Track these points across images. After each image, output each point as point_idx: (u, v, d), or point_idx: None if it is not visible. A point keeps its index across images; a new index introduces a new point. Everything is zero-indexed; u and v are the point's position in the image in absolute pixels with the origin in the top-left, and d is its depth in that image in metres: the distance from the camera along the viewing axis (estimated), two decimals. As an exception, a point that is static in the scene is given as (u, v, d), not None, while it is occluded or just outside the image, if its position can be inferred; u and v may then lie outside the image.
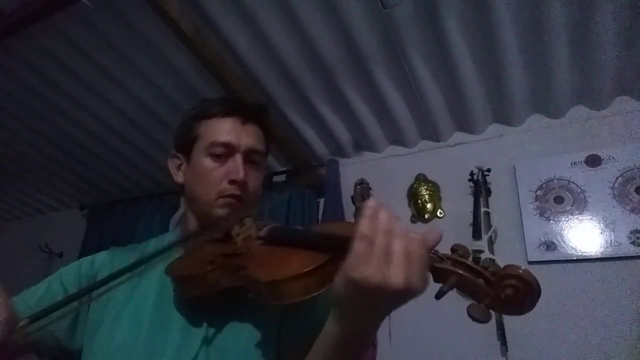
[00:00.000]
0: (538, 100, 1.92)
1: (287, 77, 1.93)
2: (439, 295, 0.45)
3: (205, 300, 0.66)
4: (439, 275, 0.48)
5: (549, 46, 1.64)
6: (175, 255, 0.78)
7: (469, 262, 0.47)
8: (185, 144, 0.82)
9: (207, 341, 0.67)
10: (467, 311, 0.44)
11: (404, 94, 1.97)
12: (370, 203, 0.49)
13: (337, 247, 0.49)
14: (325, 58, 1.80)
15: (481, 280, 0.46)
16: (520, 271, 0.44)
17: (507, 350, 1.69)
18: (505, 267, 0.45)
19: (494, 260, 1.82)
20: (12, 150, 2.85)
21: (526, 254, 1.79)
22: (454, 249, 0.49)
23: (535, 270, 1.54)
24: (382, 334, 1.93)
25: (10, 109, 2.44)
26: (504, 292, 0.44)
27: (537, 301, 0.44)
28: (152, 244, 0.86)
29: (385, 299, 0.47)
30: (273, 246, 0.64)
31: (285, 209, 2.36)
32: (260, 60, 1.86)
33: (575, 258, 1.72)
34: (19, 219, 3.86)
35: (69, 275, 0.78)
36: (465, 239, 1.87)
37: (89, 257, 0.83)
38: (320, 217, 2.31)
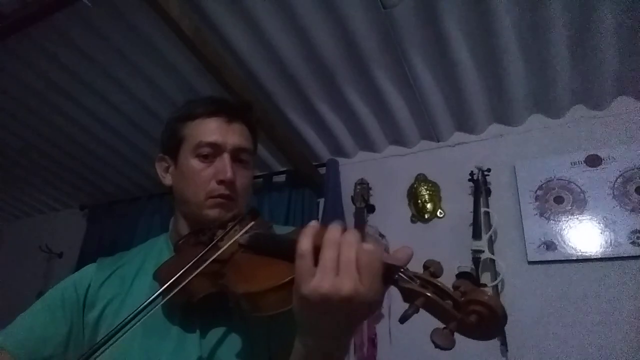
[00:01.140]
0: (538, 100, 1.92)
1: (287, 77, 1.93)
2: (402, 319, 0.44)
3: (195, 305, 0.66)
4: (407, 295, 0.47)
5: (549, 46, 1.64)
6: (166, 255, 0.77)
7: (437, 282, 0.46)
8: (172, 147, 0.82)
9: (202, 350, 0.67)
10: (431, 338, 0.43)
11: (404, 94, 1.98)
12: (312, 223, 0.51)
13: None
14: (325, 58, 1.81)
15: (449, 301, 0.44)
16: (486, 297, 0.42)
17: (507, 350, 1.69)
18: (473, 290, 0.44)
19: (494, 260, 1.82)
20: (12, 150, 2.85)
21: (526, 254, 1.79)
22: (425, 266, 0.48)
23: (535, 270, 1.55)
24: (382, 334, 1.94)
25: (11, 109, 2.44)
26: (469, 319, 0.42)
27: (502, 329, 0.42)
28: (142, 251, 0.85)
29: (338, 312, 0.47)
30: (253, 255, 0.63)
31: (285, 209, 2.36)
32: (260, 60, 1.86)
33: (575, 258, 1.72)
34: (19, 219, 3.86)
35: (54, 299, 0.77)
36: (465, 239, 1.87)
37: (73, 277, 0.81)
38: (320, 217, 2.31)
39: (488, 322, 0.42)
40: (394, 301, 1.89)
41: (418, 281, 0.46)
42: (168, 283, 0.58)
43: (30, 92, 2.27)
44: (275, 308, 0.52)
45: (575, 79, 1.79)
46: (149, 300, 0.55)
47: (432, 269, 0.47)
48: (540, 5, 1.51)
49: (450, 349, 0.42)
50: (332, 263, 0.47)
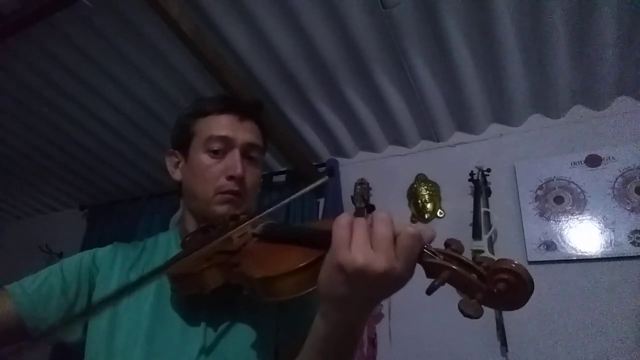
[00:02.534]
0: (538, 100, 1.92)
1: (287, 77, 1.93)
2: (430, 291, 0.45)
3: (202, 299, 0.66)
4: (432, 270, 0.47)
5: (549, 46, 1.64)
6: (174, 252, 0.77)
7: (461, 257, 0.46)
8: (182, 142, 0.83)
9: (206, 341, 0.67)
10: (459, 307, 0.43)
11: (404, 94, 1.98)
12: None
13: (330, 243, 0.49)
14: (325, 58, 1.81)
15: (474, 275, 0.45)
16: (513, 265, 0.42)
17: (507, 350, 1.69)
18: (498, 261, 0.44)
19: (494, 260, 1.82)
20: (12, 150, 2.85)
21: (526, 254, 1.79)
22: (447, 244, 0.49)
23: (535, 270, 1.54)
24: (382, 334, 1.94)
25: (11, 109, 2.44)
26: (497, 287, 0.43)
27: (529, 296, 0.43)
28: (154, 243, 0.86)
29: (369, 286, 0.47)
30: (268, 243, 0.64)
31: (285, 209, 2.36)
32: (260, 60, 1.86)
33: (575, 258, 1.72)
34: (19, 219, 3.86)
35: (71, 266, 0.77)
36: (465, 239, 1.87)
37: (92, 250, 0.82)
38: (320, 217, 2.31)
39: (516, 289, 0.42)
40: (394, 300, 1.89)
41: (442, 256, 0.47)
42: (174, 258, 0.57)
43: (30, 92, 2.27)
44: (291, 292, 0.52)
45: (575, 79, 1.79)
46: (154, 269, 0.54)
47: (454, 246, 0.48)
48: (540, 5, 1.51)
49: (479, 317, 0.43)
50: (369, 236, 0.47)
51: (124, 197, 3.13)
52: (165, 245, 0.84)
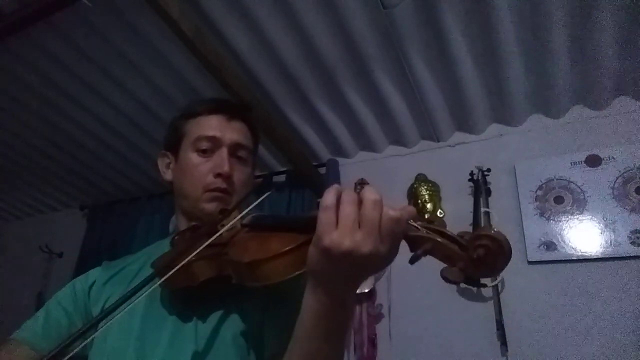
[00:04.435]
0: (538, 100, 1.92)
1: (287, 77, 1.93)
2: (412, 260, 0.46)
3: (192, 293, 0.67)
4: (414, 242, 0.49)
5: (549, 46, 1.64)
6: (165, 250, 0.78)
7: (444, 230, 0.48)
8: (173, 143, 0.85)
9: (197, 336, 0.67)
10: (441, 274, 0.45)
11: (404, 94, 1.98)
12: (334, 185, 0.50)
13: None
14: (325, 58, 1.81)
15: (455, 245, 0.47)
16: (492, 232, 0.45)
17: (507, 350, 1.69)
18: (478, 229, 0.46)
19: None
20: (12, 150, 2.85)
21: (526, 254, 1.79)
22: (430, 220, 0.51)
23: (535, 270, 1.55)
24: (382, 334, 1.94)
25: (11, 109, 2.44)
26: (476, 253, 0.44)
27: (508, 260, 0.45)
28: (146, 252, 0.87)
29: (356, 266, 0.48)
30: (257, 232, 0.65)
31: (285, 209, 2.36)
32: (260, 60, 1.86)
33: (575, 258, 1.72)
34: (19, 219, 3.86)
35: (66, 296, 0.80)
36: (465, 239, 1.87)
37: (81, 277, 0.85)
38: (320, 217, 2.31)
39: (495, 254, 0.44)
40: (394, 300, 1.90)
41: (424, 230, 0.49)
42: (174, 270, 0.58)
43: (30, 92, 2.27)
44: (278, 276, 0.53)
45: (575, 79, 1.79)
46: (144, 280, 0.55)
47: (437, 222, 0.50)
48: (540, 5, 1.51)
49: (459, 282, 0.45)
50: (354, 220, 0.46)
51: (124, 197, 3.13)
52: (160, 251, 0.84)
